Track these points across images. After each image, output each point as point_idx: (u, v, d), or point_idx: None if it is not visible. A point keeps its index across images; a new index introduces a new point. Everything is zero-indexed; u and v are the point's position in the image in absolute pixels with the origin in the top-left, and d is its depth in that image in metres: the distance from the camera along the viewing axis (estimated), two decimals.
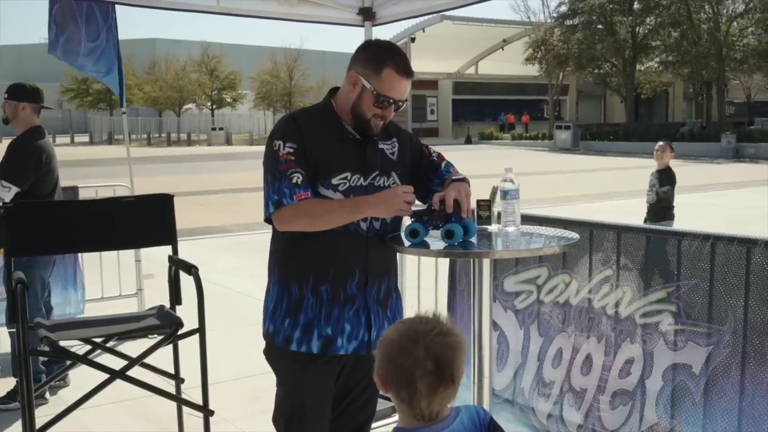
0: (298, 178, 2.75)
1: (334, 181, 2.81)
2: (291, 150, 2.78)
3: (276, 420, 3.01)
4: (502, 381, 4.38)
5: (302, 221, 2.79)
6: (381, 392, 2.05)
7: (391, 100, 2.84)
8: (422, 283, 5.68)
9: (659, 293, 3.66)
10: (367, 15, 4.90)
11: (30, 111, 5.23)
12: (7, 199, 4.88)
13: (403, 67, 2.84)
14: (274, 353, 2.96)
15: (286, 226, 2.82)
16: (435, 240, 2.88)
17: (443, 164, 3.13)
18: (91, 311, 6.79)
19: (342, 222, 2.80)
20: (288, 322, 2.88)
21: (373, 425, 3.27)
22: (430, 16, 43.38)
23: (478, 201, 3.07)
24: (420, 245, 2.86)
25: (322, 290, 2.86)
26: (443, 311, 4.75)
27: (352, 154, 2.87)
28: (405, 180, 3.00)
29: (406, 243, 2.87)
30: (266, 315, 2.97)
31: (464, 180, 3.01)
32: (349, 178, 2.84)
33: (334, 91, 2.98)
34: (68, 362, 4.40)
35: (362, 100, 2.84)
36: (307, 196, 2.75)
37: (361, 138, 2.89)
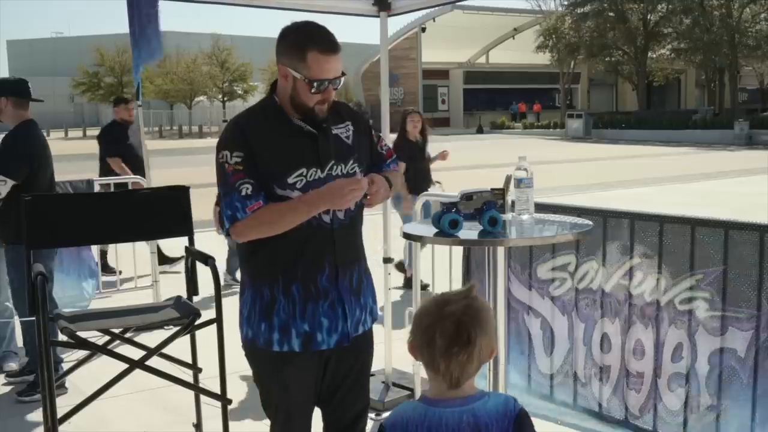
0: (248, 189, 2.69)
1: (290, 180, 2.73)
2: (238, 159, 2.71)
3: (266, 411, 3.02)
4: (552, 366, 4.43)
5: (257, 231, 2.74)
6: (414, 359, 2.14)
7: (326, 82, 2.72)
8: (436, 272, 5.71)
9: (690, 281, 3.70)
10: (383, 5, 4.87)
11: (13, 105, 5.20)
12: (3, 193, 4.91)
13: (327, 45, 2.71)
14: (256, 354, 2.91)
15: (244, 238, 2.78)
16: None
17: (389, 159, 3.09)
18: (108, 302, 6.85)
19: (298, 222, 2.72)
20: (264, 326, 2.83)
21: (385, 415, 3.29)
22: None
23: (493, 190, 3.09)
24: (447, 235, 2.89)
25: (293, 289, 2.79)
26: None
27: (304, 149, 2.78)
28: (365, 162, 2.94)
29: (449, 233, 2.89)
30: (242, 320, 2.91)
31: (389, 180, 2.94)
32: (305, 173, 2.75)
33: (276, 84, 2.87)
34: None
35: (297, 90, 2.73)
36: (260, 206, 2.69)
37: (312, 129, 2.78)
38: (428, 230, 3.06)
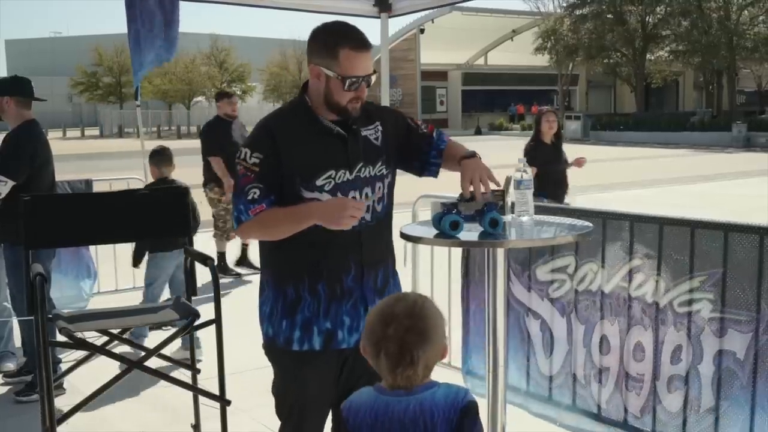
0: (255, 193, 2.73)
1: (318, 182, 2.76)
2: (256, 161, 2.74)
3: (279, 413, 3.02)
4: (552, 368, 4.43)
5: (261, 233, 2.82)
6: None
7: (361, 79, 2.74)
8: (435, 273, 5.71)
9: (690, 282, 3.71)
10: (384, 6, 4.87)
11: (16, 105, 5.18)
12: (4, 193, 4.90)
13: (358, 42, 2.73)
14: (276, 353, 2.94)
15: (249, 238, 2.85)
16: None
17: (435, 134, 3.07)
18: (106, 303, 6.83)
19: (295, 230, 2.74)
20: (286, 324, 2.85)
21: None
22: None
23: (493, 191, 3.08)
24: (447, 236, 2.88)
25: (318, 288, 2.82)
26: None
27: (333, 150, 2.80)
28: (393, 163, 2.95)
29: (450, 235, 2.87)
30: (263, 318, 2.94)
31: (474, 155, 2.94)
32: (333, 176, 2.78)
33: (308, 84, 2.89)
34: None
35: (331, 89, 2.76)
36: (263, 209, 2.72)
37: (342, 130, 2.81)
38: (428, 231, 3.05)
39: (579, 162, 7.63)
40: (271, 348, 2.94)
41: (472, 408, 2.13)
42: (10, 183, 4.92)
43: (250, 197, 2.73)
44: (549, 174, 7.15)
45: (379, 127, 2.94)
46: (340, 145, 2.81)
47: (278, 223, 2.75)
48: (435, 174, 3.08)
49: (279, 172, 2.74)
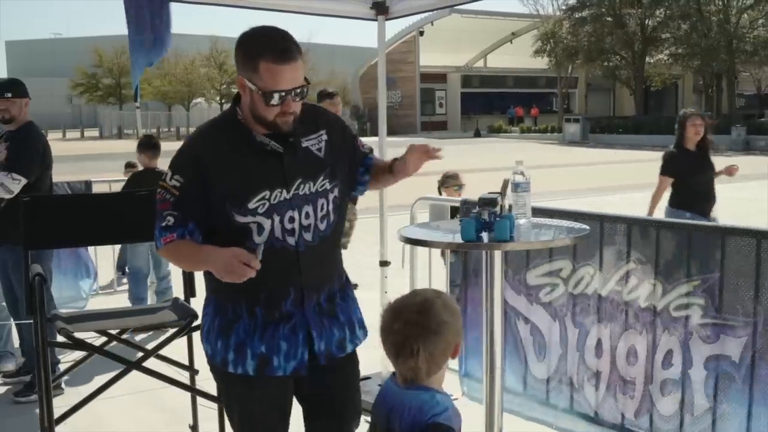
0: (169, 221, 2.55)
1: (251, 205, 2.54)
2: (176, 184, 2.56)
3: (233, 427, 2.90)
4: (546, 371, 4.43)
5: (172, 262, 2.75)
6: None
7: (283, 93, 2.48)
8: (432, 275, 5.72)
9: (686, 286, 3.71)
10: (381, 9, 4.88)
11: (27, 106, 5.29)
12: (16, 191, 4.93)
13: (279, 54, 2.46)
14: (216, 373, 2.79)
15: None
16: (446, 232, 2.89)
17: (370, 152, 2.93)
18: (105, 303, 6.85)
19: (197, 269, 2.67)
20: (221, 344, 2.67)
21: None
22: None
23: (480, 198, 3.07)
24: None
25: (256, 311, 2.63)
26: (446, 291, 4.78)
27: (267, 169, 2.57)
28: (341, 173, 2.75)
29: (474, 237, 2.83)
30: (202, 335, 2.77)
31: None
32: (267, 196, 2.55)
33: (240, 95, 2.64)
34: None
35: (255, 103, 2.52)
36: (173, 239, 2.56)
37: (277, 144, 2.58)
38: (427, 234, 3.06)
39: (730, 170, 6.82)
40: (211, 366, 2.77)
41: (435, 428, 2.11)
42: (24, 181, 4.98)
43: (164, 224, 2.56)
44: (690, 186, 6.52)
45: (324, 137, 2.72)
46: (275, 162, 2.58)
47: (182, 259, 2.67)
48: (362, 192, 2.97)
49: (203, 198, 2.55)
